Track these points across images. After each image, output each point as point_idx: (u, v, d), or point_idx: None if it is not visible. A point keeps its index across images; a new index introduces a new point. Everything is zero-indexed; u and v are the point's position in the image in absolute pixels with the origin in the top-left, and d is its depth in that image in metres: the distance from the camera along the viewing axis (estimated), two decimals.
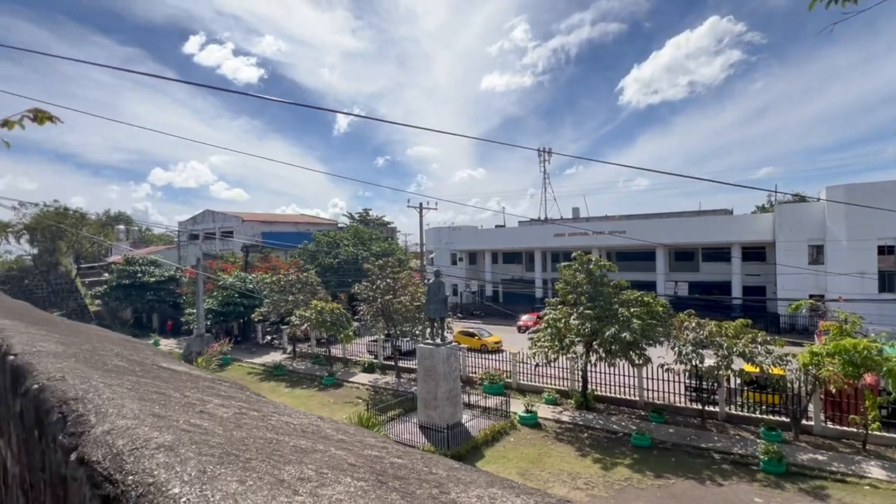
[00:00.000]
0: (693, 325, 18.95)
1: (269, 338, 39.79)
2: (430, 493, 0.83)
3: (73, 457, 0.86)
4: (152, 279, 45.82)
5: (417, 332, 26.48)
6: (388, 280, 28.51)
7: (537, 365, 22.41)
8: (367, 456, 1.09)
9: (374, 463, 1.02)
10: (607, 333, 18.90)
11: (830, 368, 15.79)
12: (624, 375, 21.39)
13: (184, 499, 0.61)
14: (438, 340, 19.97)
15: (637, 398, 21.40)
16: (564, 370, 22.82)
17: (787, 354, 17.34)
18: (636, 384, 21.47)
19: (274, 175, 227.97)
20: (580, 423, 19.81)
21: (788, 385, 18.01)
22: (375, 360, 30.35)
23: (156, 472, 0.68)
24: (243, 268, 46.25)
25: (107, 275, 49.88)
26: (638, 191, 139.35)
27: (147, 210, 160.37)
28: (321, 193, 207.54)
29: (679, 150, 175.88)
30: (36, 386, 1.28)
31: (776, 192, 42.74)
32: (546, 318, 21.65)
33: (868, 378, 16.27)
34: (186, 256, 55.79)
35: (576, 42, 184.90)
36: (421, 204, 45.09)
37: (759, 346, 17.51)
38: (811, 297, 31.95)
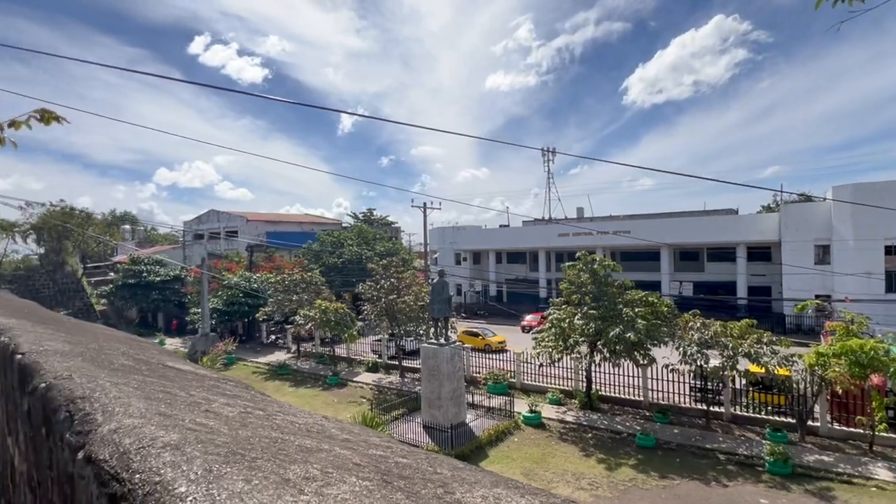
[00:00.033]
0: (698, 325, 18.89)
1: (273, 337, 39.92)
2: (434, 493, 0.83)
3: (80, 455, 0.86)
4: (157, 279, 46.04)
5: (421, 332, 26.50)
6: (392, 280, 28.54)
7: (541, 365, 22.39)
8: (372, 455, 1.09)
9: (378, 462, 1.02)
10: (612, 333, 18.86)
11: (837, 369, 15.70)
12: (628, 376, 21.33)
13: (190, 497, 0.61)
14: (442, 340, 19.97)
15: (641, 398, 21.34)
16: (568, 370, 22.78)
17: (792, 355, 17.25)
18: (641, 384, 21.41)
19: (278, 175, 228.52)
20: (584, 423, 19.77)
21: (794, 386, 17.91)
22: (379, 360, 30.39)
23: (162, 471, 0.69)
24: (248, 267, 46.43)
25: (112, 274, 50.16)
26: (642, 190, 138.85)
27: (152, 210, 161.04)
28: (325, 193, 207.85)
29: (684, 149, 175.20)
30: (43, 384, 1.29)
31: (782, 191, 42.49)
32: (550, 318, 21.62)
33: (875, 379, 16.17)
34: (191, 256, 56.02)
35: (580, 41, 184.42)
36: (425, 204, 45.15)
37: (765, 347, 17.43)
38: (817, 297, 31.72)
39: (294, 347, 35.19)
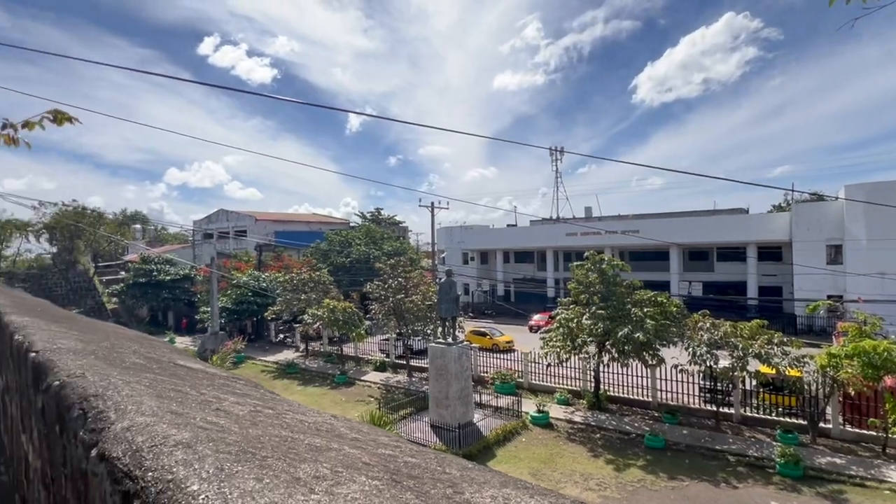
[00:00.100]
0: (707, 325, 18.74)
1: (281, 336, 40.14)
2: (444, 493, 0.83)
3: (93, 452, 0.87)
4: (168, 278, 46.46)
5: (429, 332, 26.53)
6: (400, 279, 28.59)
7: (549, 365, 22.34)
8: (381, 455, 1.10)
9: (387, 462, 1.03)
10: (620, 334, 18.76)
11: (849, 370, 15.51)
12: (637, 376, 21.21)
13: (202, 496, 0.61)
14: (450, 339, 19.98)
15: (650, 399, 21.21)
16: (577, 370, 22.70)
17: (804, 356, 17.06)
18: (649, 385, 21.28)
19: (287, 175, 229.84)
20: (592, 423, 19.69)
21: (805, 387, 17.71)
22: (387, 359, 30.46)
23: (174, 469, 0.69)
24: (257, 267, 46.70)
25: (123, 273, 50.68)
26: (651, 190, 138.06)
27: (162, 209, 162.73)
28: (333, 193, 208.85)
29: (694, 148, 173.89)
30: (57, 382, 1.30)
31: (793, 190, 42.05)
32: (558, 317, 21.55)
33: (888, 380, 15.95)
34: (201, 255, 56.46)
35: (589, 40, 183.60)
36: (433, 203, 45.12)
37: (776, 348, 17.26)
38: (829, 297, 31.37)
39: (302, 346, 35.37)
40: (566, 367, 21.92)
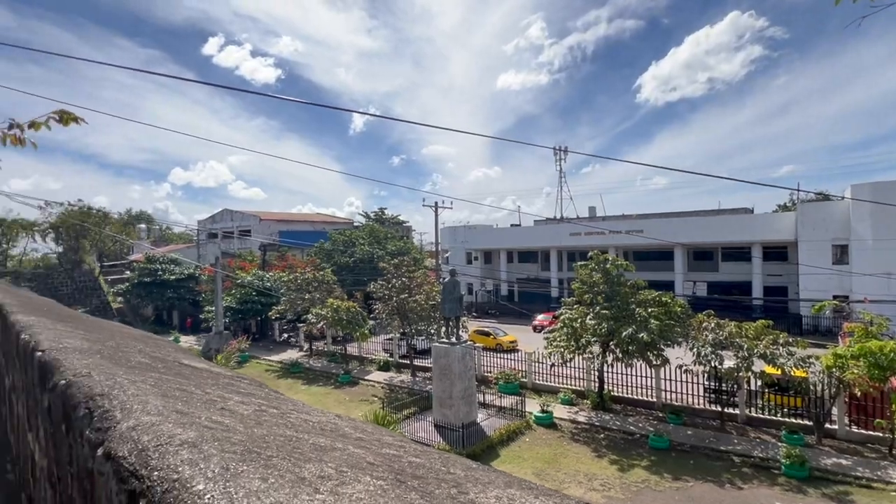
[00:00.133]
0: (712, 325, 18.66)
1: (285, 335, 40.24)
2: (448, 493, 0.83)
3: (99, 452, 0.88)
4: (172, 277, 46.66)
5: (433, 331, 26.54)
6: (404, 279, 28.61)
7: (553, 365, 22.29)
8: (386, 455, 1.10)
9: (392, 462, 1.03)
10: (624, 334, 18.72)
11: (855, 371, 15.42)
12: (641, 376, 21.15)
13: (208, 495, 0.62)
14: (454, 339, 19.98)
15: (654, 399, 21.15)
16: (581, 370, 22.66)
17: (809, 356, 16.97)
18: (654, 385, 21.22)
19: (291, 174, 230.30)
20: (596, 423, 19.65)
21: (811, 388, 17.61)
22: (391, 359, 30.49)
23: (180, 469, 0.69)
24: (261, 266, 46.83)
25: (128, 273, 51.00)
26: (656, 189, 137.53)
27: (167, 209, 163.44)
28: (337, 192, 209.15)
29: (698, 147, 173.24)
30: (63, 382, 1.31)
31: (798, 190, 41.88)
32: (562, 317, 21.52)
33: (895, 381, 15.85)
34: (205, 255, 56.73)
35: (592, 39, 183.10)
36: (436, 203, 45.14)
37: (781, 348, 17.17)
38: (835, 297, 31.21)
39: (306, 346, 35.45)
40: (570, 367, 21.89)
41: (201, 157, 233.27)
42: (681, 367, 18.82)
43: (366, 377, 28.07)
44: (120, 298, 50.86)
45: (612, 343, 19.97)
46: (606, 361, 20.71)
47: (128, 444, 0.81)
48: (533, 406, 20.78)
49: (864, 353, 15.58)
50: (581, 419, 20.16)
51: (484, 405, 21.19)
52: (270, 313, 35.45)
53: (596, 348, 20.62)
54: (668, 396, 20.95)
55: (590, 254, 22.67)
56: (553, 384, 23.72)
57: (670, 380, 20.62)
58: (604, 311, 19.93)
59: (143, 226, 76.68)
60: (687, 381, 19.96)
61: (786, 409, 18.87)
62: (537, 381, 24.24)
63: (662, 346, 19.18)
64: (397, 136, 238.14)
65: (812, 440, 17.03)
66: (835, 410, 17.53)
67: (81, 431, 1.02)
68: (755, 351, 17.22)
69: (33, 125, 3.24)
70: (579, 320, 20.56)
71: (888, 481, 14.28)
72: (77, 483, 1.10)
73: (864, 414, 17.29)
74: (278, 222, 62.20)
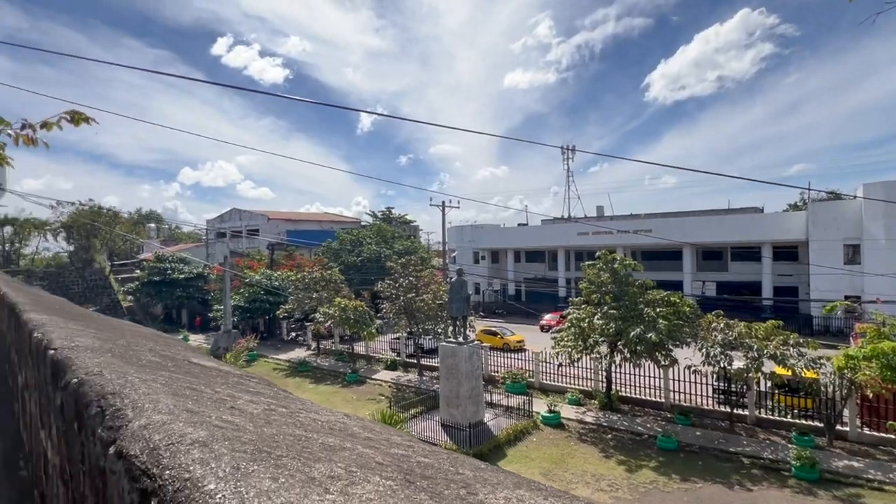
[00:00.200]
0: (721, 326, 18.52)
1: (293, 334, 40.43)
2: (457, 494, 0.83)
3: (111, 450, 0.88)
4: (182, 276, 47.02)
5: (440, 331, 26.55)
6: (411, 278, 28.64)
7: (560, 365, 22.23)
8: (394, 455, 1.09)
9: (401, 462, 1.02)
10: (632, 334, 18.62)
11: (867, 372, 15.24)
12: (649, 377, 21.04)
13: (219, 495, 0.62)
14: (461, 339, 19.97)
15: (663, 400, 21.03)
16: (588, 370, 22.57)
17: (820, 357, 16.79)
18: (662, 385, 21.10)
19: (298, 174, 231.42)
20: (604, 423, 19.57)
21: (822, 389, 17.43)
22: (398, 358, 30.54)
23: (191, 468, 0.70)
24: (269, 265, 47.07)
25: (138, 272, 51.38)
26: (665, 188, 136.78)
27: (176, 209, 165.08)
28: (344, 192, 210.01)
29: (707, 146, 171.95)
30: (75, 380, 1.32)
31: (809, 189, 41.42)
32: (569, 317, 21.45)
33: None
34: (214, 254, 57.12)
35: (600, 38, 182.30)
36: (443, 202, 45.12)
37: (792, 349, 17.00)
38: (847, 298, 30.85)
39: (314, 345, 35.60)
40: (577, 367, 21.82)
41: (210, 156, 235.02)
42: (689, 367, 18.70)
43: (373, 376, 28.14)
44: (130, 297, 51.33)
45: (620, 343, 19.88)
46: (614, 361, 20.62)
47: (139, 443, 0.82)
48: (540, 406, 20.73)
49: (877, 355, 15.39)
50: (589, 419, 20.08)
51: (491, 405, 21.17)
52: (278, 312, 35.62)
53: (604, 348, 20.53)
54: (677, 397, 20.82)
55: (598, 253, 22.58)
56: (560, 384, 23.65)
57: (679, 380, 20.49)
58: (612, 311, 19.84)
59: (152, 225, 77.28)
60: (696, 382, 19.83)
61: (796, 411, 18.68)
62: (545, 381, 24.18)
63: (671, 347, 19.06)
64: (405, 136, 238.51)
65: (823, 442, 16.86)
66: (846, 412, 17.34)
67: (93, 429, 1.03)
68: (765, 352, 17.06)
69: (45, 125, 3.28)
70: (587, 320, 20.48)
71: None
72: (89, 481, 1.10)
73: (877, 416, 17.08)
74: (286, 221, 62.50)
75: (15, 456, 3.32)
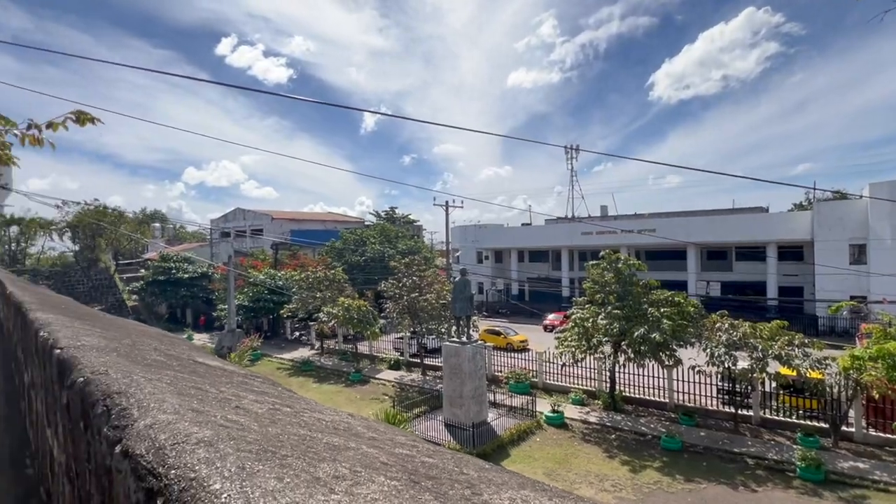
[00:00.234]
0: (726, 326, 18.44)
1: (297, 334, 40.53)
2: (462, 495, 0.82)
3: (117, 449, 0.88)
4: (186, 275, 47.21)
5: (443, 330, 26.55)
6: (414, 278, 28.66)
7: (564, 364, 22.19)
8: (399, 455, 1.09)
9: (405, 462, 1.02)
10: (636, 334, 18.57)
11: (873, 373, 15.15)
12: (653, 377, 20.98)
13: (225, 495, 0.62)
14: (464, 338, 19.97)
15: (667, 400, 20.97)
16: (592, 370, 22.53)
17: (825, 358, 16.70)
18: (666, 386, 21.04)
19: (302, 174, 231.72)
20: (608, 424, 19.53)
21: (827, 390, 17.34)
22: (401, 358, 30.57)
23: (197, 468, 0.70)
24: (273, 265, 47.21)
25: (143, 271, 51.70)
26: (669, 188, 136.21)
27: (181, 208, 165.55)
28: (348, 192, 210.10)
29: (712, 146, 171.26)
30: (81, 379, 1.33)
31: (815, 188, 41.17)
32: (573, 317, 21.42)
33: None
34: (218, 253, 57.29)
35: (605, 37, 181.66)
36: (447, 202, 45.11)
37: (797, 349, 16.92)
38: (852, 298, 30.66)
39: (318, 344, 35.67)
40: (581, 367, 21.78)
41: (214, 156, 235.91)
42: (694, 367, 18.64)
43: (376, 375, 28.18)
44: (135, 296, 51.58)
45: (623, 343, 19.84)
46: (618, 361, 20.58)
47: (145, 442, 0.82)
48: (544, 406, 20.71)
49: (883, 355, 15.30)
50: (592, 419, 20.05)
51: (494, 404, 21.16)
52: (282, 311, 35.72)
53: (607, 348, 20.49)
54: (681, 397, 20.75)
55: (601, 253, 22.53)
56: (564, 384, 23.62)
57: (683, 381, 20.43)
58: (615, 311, 19.79)
59: (157, 225, 77.66)
60: (700, 382, 19.76)
61: (801, 412, 18.60)
62: (548, 381, 24.15)
63: (675, 347, 19.01)
64: (408, 136, 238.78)
65: (828, 443, 16.77)
66: (852, 413, 17.25)
67: (99, 428, 1.03)
68: (770, 352, 16.99)
69: (51, 126, 3.29)
70: (591, 320, 20.44)
71: None
72: (95, 479, 1.11)
73: (883, 417, 16.98)
74: (290, 221, 62.61)
75: (21, 454, 3.34)
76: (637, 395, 21.80)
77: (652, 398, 21.48)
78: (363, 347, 32.89)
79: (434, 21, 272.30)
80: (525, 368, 25.01)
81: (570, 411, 20.57)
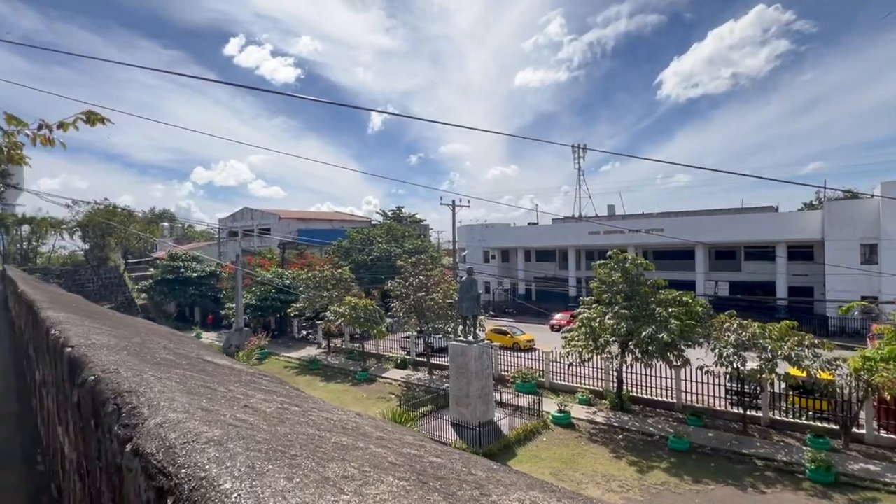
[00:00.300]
0: (735, 326, 18.30)
1: (304, 332, 40.68)
2: (471, 495, 0.82)
3: (128, 448, 0.89)
4: (194, 274, 47.51)
5: (450, 330, 26.55)
6: (421, 277, 28.67)
7: (571, 364, 22.12)
8: (407, 454, 1.09)
9: (413, 462, 1.02)
10: (644, 334, 18.47)
11: (885, 374, 14.98)
12: (661, 377, 20.87)
13: (235, 494, 0.62)
14: (471, 338, 19.96)
15: (674, 400, 20.84)
16: (599, 370, 22.44)
17: (836, 359, 16.53)
18: (674, 386, 20.91)
19: (310, 173, 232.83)
20: (615, 424, 19.44)
21: (838, 391, 17.16)
22: (408, 357, 30.61)
23: (207, 467, 0.70)
24: (280, 264, 47.41)
25: (152, 270, 51.99)
26: (677, 187, 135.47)
27: (189, 208, 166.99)
28: (355, 191, 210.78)
29: (721, 144, 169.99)
30: (92, 378, 1.34)
31: (825, 188, 40.77)
32: (580, 317, 21.34)
33: None
34: (226, 252, 57.64)
35: (612, 35, 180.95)
36: (454, 201, 45.08)
37: (806, 350, 16.75)
38: (863, 298, 30.34)
39: (324, 343, 35.78)
40: (588, 366, 21.70)
41: (222, 156, 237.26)
42: (702, 368, 18.52)
43: (383, 374, 28.23)
44: (144, 295, 51.98)
45: (631, 343, 19.74)
46: (625, 361, 20.48)
47: (155, 441, 0.83)
48: (550, 406, 20.65)
49: (895, 356, 15.12)
50: (599, 419, 19.97)
51: (501, 404, 21.13)
52: (289, 310, 35.85)
53: (615, 348, 20.40)
54: (689, 398, 20.62)
55: (609, 253, 22.42)
56: (571, 384, 23.54)
57: (691, 381, 20.30)
58: (623, 311, 19.70)
59: (166, 224, 78.25)
60: (708, 383, 19.62)
61: (811, 413, 18.42)
62: (555, 381, 24.08)
63: (683, 347, 18.89)
64: (415, 135, 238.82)
65: (838, 445, 16.60)
66: (863, 414, 17.06)
67: (110, 427, 1.04)
68: (779, 352, 16.83)
69: (62, 126, 3.33)
70: (598, 320, 20.36)
71: None
72: (106, 477, 1.12)
73: (894, 418, 16.79)
74: (297, 220, 62.85)
75: (33, 450, 3.37)
76: (644, 396, 21.69)
77: (659, 398, 21.36)
78: (370, 346, 32.97)
79: (441, 21, 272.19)
80: (532, 368, 24.96)
81: (577, 411, 20.51)
